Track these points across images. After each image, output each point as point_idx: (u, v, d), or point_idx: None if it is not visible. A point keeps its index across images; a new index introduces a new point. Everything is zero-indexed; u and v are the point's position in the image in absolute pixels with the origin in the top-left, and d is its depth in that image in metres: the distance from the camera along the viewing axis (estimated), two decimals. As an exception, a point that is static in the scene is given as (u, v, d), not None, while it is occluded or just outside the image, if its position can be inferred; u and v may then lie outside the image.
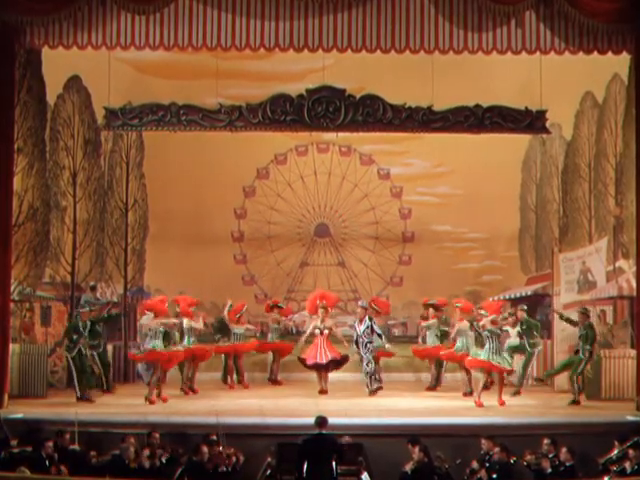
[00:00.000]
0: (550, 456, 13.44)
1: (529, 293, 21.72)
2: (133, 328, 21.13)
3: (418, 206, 23.12)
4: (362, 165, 23.38)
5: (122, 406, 16.68)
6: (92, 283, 20.43)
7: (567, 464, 13.28)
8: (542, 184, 22.41)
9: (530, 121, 17.42)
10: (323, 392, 18.35)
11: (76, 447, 13.71)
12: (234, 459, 13.09)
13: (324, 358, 18.25)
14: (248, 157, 22.29)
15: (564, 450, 13.42)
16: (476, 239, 22.79)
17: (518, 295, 21.87)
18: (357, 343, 18.34)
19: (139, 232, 22.01)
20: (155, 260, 22.00)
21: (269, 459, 13.49)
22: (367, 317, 18.46)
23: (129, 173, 21.81)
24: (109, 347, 20.16)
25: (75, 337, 17.70)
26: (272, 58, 20.52)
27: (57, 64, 19.13)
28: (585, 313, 17.81)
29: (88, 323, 17.99)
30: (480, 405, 16.93)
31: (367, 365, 18.23)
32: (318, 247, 23.41)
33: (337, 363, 18.47)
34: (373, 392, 18.12)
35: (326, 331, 18.43)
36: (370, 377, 18.21)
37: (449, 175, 22.65)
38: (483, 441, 13.62)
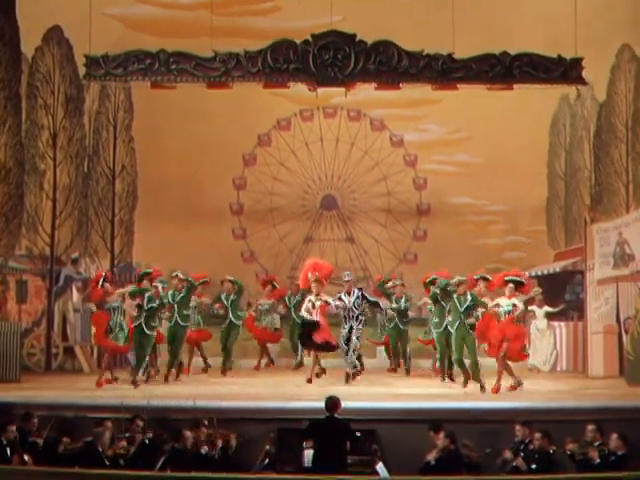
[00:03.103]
0: (596, 444, 12.07)
1: (557, 270, 20.60)
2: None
3: (434, 176, 22.28)
4: (373, 131, 22.60)
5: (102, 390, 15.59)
6: (74, 255, 19.62)
7: (619, 453, 11.80)
8: (572, 149, 21.53)
9: (564, 70, 16.36)
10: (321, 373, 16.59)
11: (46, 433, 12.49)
12: (220, 443, 11.97)
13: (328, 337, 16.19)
14: (248, 122, 21.59)
15: (614, 437, 11.92)
16: (498, 212, 21.95)
17: (545, 272, 20.72)
18: (346, 317, 16.23)
19: (127, 202, 21.01)
20: (145, 234, 21.05)
21: (268, 446, 12.40)
22: (355, 288, 16.41)
23: (116, 137, 20.82)
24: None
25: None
26: (274, 14, 20.35)
27: (35, 12, 18.44)
28: (463, 283, 15.64)
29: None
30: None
31: (357, 340, 16.20)
32: (324, 221, 22.65)
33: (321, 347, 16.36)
34: (354, 376, 16.20)
35: (318, 303, 16.19)
36: (357, 357, 16.27)
37: (468, 142, 21.79)
38: (518, 428, 12.38)
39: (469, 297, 15.38)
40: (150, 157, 21.03)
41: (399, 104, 21.31)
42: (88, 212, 20.31)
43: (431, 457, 11.72)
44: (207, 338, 18.03)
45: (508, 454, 12.05)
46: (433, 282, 16.81)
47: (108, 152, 20.77)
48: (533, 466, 11.63)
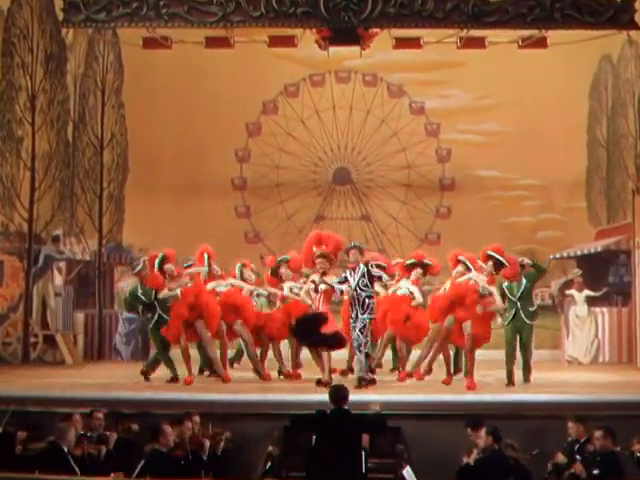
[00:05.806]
0: (670, 446, 10.62)
1: (599, 249, 19.64)
2: (109, 293, 19.68)
3: (459, 147, 21.39)
4: (390, 97, 21.78)
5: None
6: (55, 233, 18.59)
7: (703, 455, 10.34)
8: (614, 114, 20.44)
9: (613, 13, 15.37)
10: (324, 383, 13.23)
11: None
12: (209, 443, 10.55)
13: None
14: (252, 87, 20.80)
15: (695, 436, 10.55)
16: (531, 186, 20.96)
17: (585, 252, 19.81)
18: (350, 303, 13.47)
19: (117, 175, 20.22)
20: (137, 210, 20.30)
21: (270, 448, 11.29)
22: (361, 263, 13.48)
23: (105, 102, 19.98)
24: (80, 316, 18.69)
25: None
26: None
27: (9, -43, 17.66)
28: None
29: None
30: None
31: (361, 333, 13.08)
32: (337, 197, 21.93)
33: (326, 340, 13.36)
34: (363, 383, 12.91)
35: (322, 287, 13.52)
36: (364, 356, 13.14)
37: (497, 108, 20.85)
38: (570, 425, 11.01)
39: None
40: (142, 125, 20.29)
41: (419, 67, 20.62)
42: (73, 186, 19.30)
43: (470, 459, 10.35)
44: None
45: (560, 457, 10.62)
46: (419, 266, 14.82)
47: (95, 119, 19.82)
48: (595, 471, 10.01)
